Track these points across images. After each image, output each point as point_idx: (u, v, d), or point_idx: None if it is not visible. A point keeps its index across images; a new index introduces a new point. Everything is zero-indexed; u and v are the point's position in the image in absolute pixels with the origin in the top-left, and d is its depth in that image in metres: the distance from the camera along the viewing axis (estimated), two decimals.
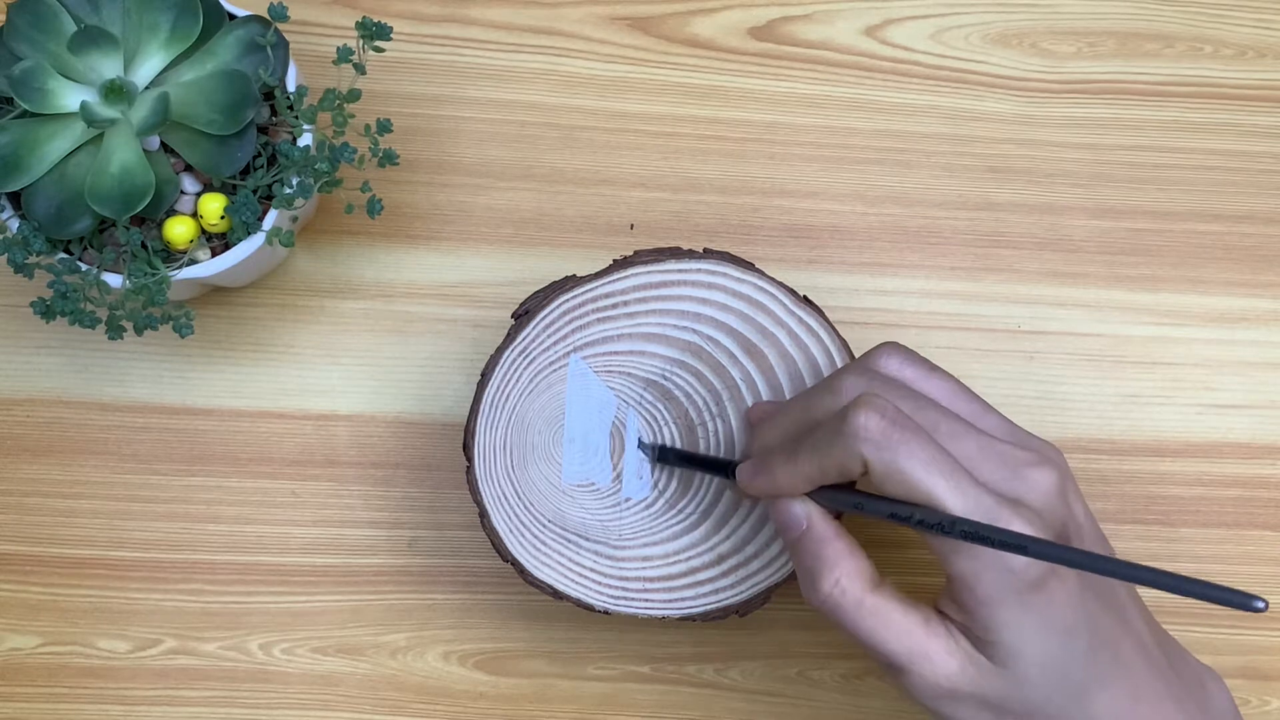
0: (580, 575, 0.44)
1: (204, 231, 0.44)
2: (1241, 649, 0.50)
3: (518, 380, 0.44)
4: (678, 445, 0.45)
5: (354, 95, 0.45)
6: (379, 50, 0.45)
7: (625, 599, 0.44)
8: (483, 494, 0.43)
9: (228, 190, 0.44)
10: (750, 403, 0.44)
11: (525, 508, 0.44)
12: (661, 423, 0.45)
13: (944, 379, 0.39)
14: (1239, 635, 0.50)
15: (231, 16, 0.45)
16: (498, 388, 0.44)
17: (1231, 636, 0.50)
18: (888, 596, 0.37)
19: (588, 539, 0.44)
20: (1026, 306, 0.52)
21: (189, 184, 0.45)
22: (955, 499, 0.34)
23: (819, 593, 0.37)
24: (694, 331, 0.44)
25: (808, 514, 0.38)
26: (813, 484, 0.37)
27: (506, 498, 0.44)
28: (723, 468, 0.42)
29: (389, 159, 0.45)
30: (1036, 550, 0.33)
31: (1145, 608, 0.39)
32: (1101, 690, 0.36)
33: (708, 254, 0.44)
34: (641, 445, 0.45)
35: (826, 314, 0.44)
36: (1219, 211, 0.53)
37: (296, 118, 0.44)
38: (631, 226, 0.52)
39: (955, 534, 0.34)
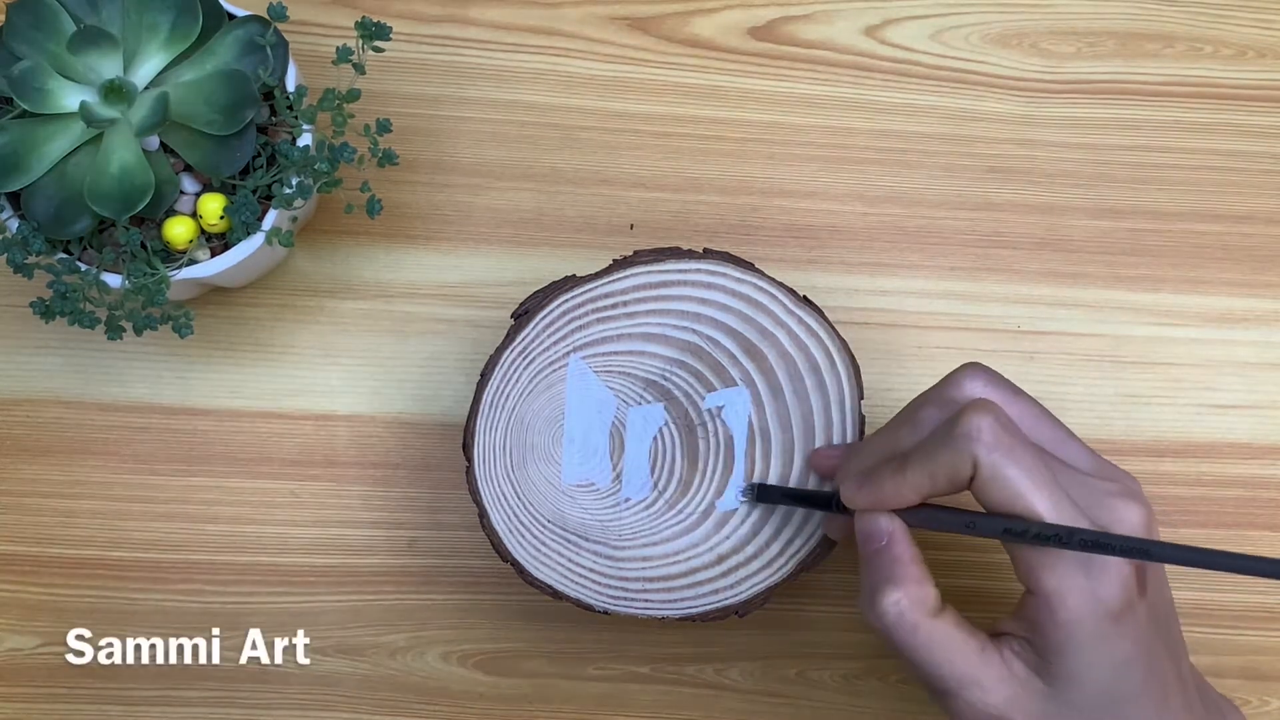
0: (580, 575, 0.44)
1: (204, 231, 0.44)
2: (1241, 649, 0.50)
3: (517, 380, 0.44)
4: (679, 446, 0.45)
5: (353, 95, 0.45)
6: (378, 50, 0.45)
7: (625, 599, 0.44)
8: (482, 494, 0.43)
9: (227, 190, 0.44)
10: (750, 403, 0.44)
11: (525, 508, 0.44)
12: (661, 423, 0.45)
13: (1028, 404, 0.39)
14: (1239, 635, 0.50)
15: (231, 16, 0.45)
16: (497, 388, 0.44)
17: (1231, 637, 0.50)
18: (947, 622, 0.37)
19: (587, 539, 0.44)
20: (1026, 306, 0.52)
21: (189, 184, 0.45)
22: (1053, 514, 0.34)
23: (875, 608, 0.37)
24: (694, 331, 0.44)
25: (892, 530, 0.38)
26: (920, 494, 0.37)
27: (506, 498, 0.44)
28: (824, 501, 0.42)
29: (388, 159, 0.45)
30: (1161, 554, 0.33)
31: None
32: None
33: (707, 254, 0.44)
34: (741, 492, 0.44)
35: (826, 314, 0.44)
36: (1219, 211, 0.53)
37: (296, 118, 0.44)
38: (631, 226, 0.52)
39: (1074, 545, 0.34)
